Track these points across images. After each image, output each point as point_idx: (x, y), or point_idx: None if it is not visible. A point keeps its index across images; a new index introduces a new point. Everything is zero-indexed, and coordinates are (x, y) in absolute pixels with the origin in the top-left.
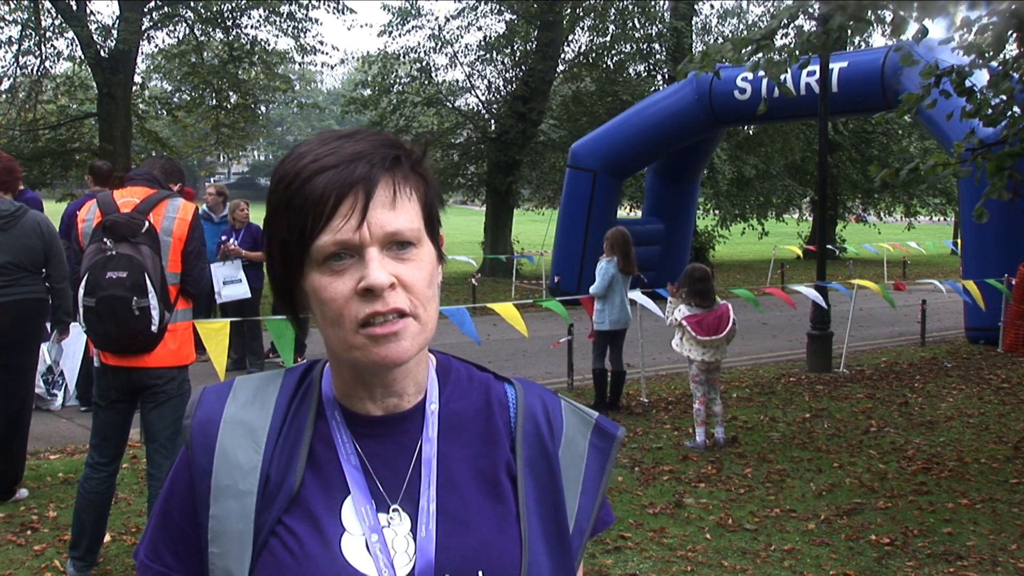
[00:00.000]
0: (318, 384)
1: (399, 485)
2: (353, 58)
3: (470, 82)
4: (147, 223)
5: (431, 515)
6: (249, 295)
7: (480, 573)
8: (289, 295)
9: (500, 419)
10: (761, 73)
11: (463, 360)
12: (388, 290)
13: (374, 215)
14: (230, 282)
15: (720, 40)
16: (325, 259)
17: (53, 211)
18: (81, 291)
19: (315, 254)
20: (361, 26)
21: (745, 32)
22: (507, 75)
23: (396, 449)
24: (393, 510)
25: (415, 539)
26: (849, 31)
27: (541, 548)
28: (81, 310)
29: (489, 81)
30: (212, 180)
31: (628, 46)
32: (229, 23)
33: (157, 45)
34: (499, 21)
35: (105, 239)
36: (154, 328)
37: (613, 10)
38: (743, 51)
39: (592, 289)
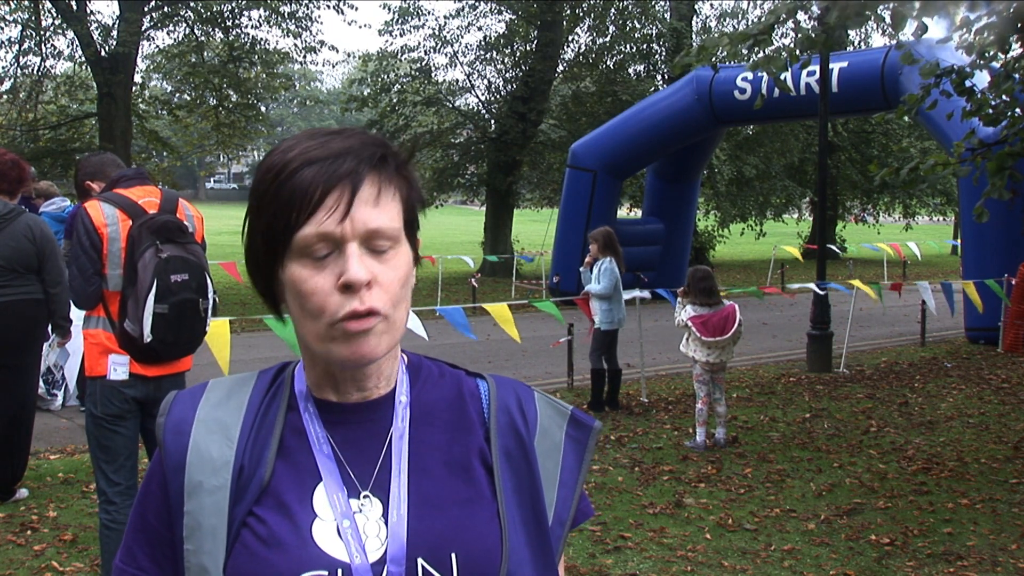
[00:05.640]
0: (290, 380)
1: (370, 471)
2: (354, 56)
3: (470, 82)
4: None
5: (402, 500)
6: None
7: (453, 555)
8: (272, 285)
9: (472, 409)
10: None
11: (435, 359)
12: (365, 289)
13: (358, 211)
14: None
15: (717, 35)
16: (306, 251)
17: None
18: (151, 299)
19: (297, 245)
20: (360, 26)
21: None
22: (507, 75)
23: (367, 436)
24: (364, 496)
25: (387, 524)
26: (847, 28)
27: (520, 536)
28: (149, 320)
29: (489, 81)
30: (212, 181)
31: (628, 46)
32: (229, 23)
33: (157, 45)
34: (499, 21)
35: (157, 242)
36: (208, 329)
37: (613, 10)
38: (740, 46)
39: (599, 289)
